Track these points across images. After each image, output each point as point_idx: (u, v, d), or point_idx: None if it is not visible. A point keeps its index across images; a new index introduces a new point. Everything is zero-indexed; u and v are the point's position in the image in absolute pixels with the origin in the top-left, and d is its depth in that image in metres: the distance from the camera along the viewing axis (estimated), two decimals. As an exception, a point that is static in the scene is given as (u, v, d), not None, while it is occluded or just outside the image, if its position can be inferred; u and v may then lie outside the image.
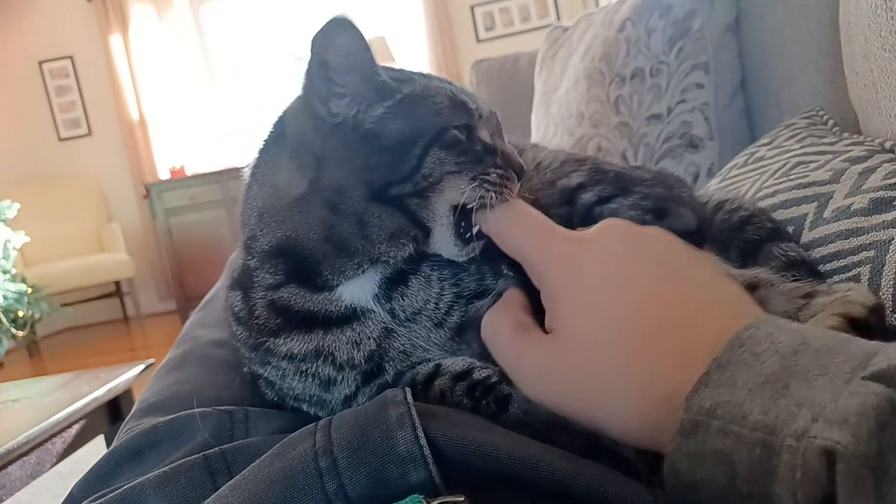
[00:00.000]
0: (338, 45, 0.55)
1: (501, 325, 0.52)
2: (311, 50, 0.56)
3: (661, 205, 0.74)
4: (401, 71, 0.63)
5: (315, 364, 0.59)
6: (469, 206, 0.56)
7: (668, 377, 0.39)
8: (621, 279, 0.45)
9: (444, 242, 0.59)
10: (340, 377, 0.59)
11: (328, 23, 0.55)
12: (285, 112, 0.63)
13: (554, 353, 0.46)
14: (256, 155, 0.65)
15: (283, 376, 0.61)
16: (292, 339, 0.59)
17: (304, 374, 0.60)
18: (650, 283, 0.44)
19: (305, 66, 0.58)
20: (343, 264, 0.58)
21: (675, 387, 0.37)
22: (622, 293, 0.44)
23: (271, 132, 0.64)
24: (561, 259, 0.48)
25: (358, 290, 0.59)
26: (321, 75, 0.56)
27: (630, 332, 0.42)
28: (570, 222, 0.67)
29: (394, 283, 0.60)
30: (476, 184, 0.56)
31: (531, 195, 0.69)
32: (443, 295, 0.61)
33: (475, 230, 0.58)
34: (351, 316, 0.59)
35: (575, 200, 0.73)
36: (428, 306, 0.60)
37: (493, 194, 0.56)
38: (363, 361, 0.58)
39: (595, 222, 0.56)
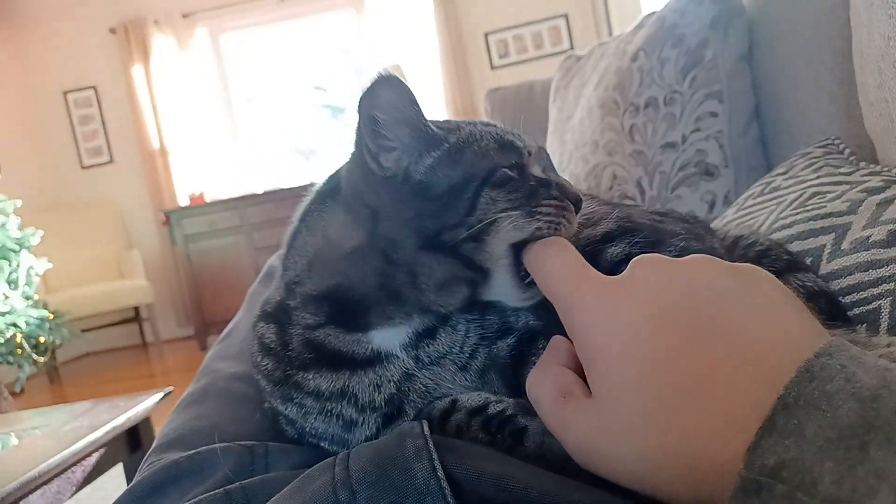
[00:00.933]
0: (384, 101, 0.57)
1: (543, 394, 0.46)
2: (359, 107, 0.58)
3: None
4: (447, 121, 0.63)
5: (339, 404, 0.60)
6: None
7: (717, 442, 0.34)
8: (657, 333, 0.39)
9: (503, 285, 0.58)
10: (362, 419, 0.59)
11: (375, 80, 0.57)
12: (341, 167, 0.65)
13: (596, 421, 0.41)
14: (307, 203, 0.66)
15: (307, 414, 0.62)
16: (321, 376, 0.60)
17: (328, 413, 0.60)
18: (689, 333, 0.38)
19: (355, 124, 0.59)
20: (392, 312, 0.59)
21: (727, 452, 0.33)
22: (658, 349, 0.38)
23: (325, 185, 0.66)
24: (591, 311, 0.43)
25: (389, 337, 0.60)
26: (370, 131, 0.58)
27: (671, 395, 0.37)
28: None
29: (425, 334, 0.60)
30: (530, 218, 0.56)
31: None
32: (468, 337, 0.61)
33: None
34: (375, 359, 0.60)
35: (600, 255, 0.67)
36: (454, 350, 0.60)
37: (549, 225, 0.56)
38: (383, 404, 0.59)
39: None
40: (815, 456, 0.29)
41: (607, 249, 0.66)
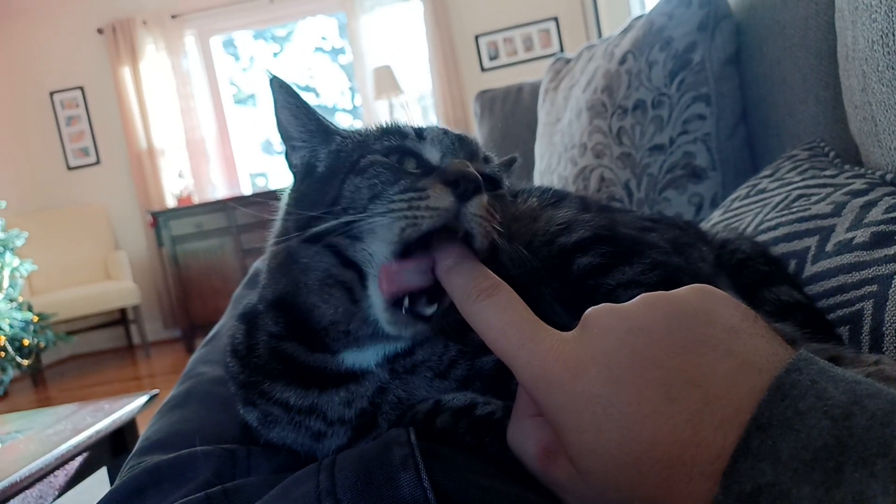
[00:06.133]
0: (280, 103, 0.61)
1: (526, 452, 0.45)
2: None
3: (672, 275, 0.62)
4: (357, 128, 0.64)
5: (308, 418, 0.59)
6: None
7: (701, 486, 0.34)
8: (625, 400, 0.37)
9: (377, 299, 0.52)
10: (331, 431, 0.59)
11: (269, 84, 0.60)
12: None
13: (586, 489, 0.40)
14: (283, 204, 0.67)
15: (274, 423, 0.61)
16: (289, 390, 0.60)
17: (297, 424, 0.60)
18: (659, 391, 0.37)
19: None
20: (332, 333, 0.58)
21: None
22: (629, 416, 0.37)
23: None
24: (554, 391, 0.40)
25: (363, 357, 0.59)
26: (281, 131, 0.62)
27: (641, 462, 0.36)
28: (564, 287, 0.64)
29: (402, 353, 0.59)
30: (389, 210, 0.49)
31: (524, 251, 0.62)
32: (447, 349, 0.60)
33: (406, 300, 0.50)
34: (348, 377, 0.59)
35: (569, 265, 0.64)
36: (432, 359, 0.60)
37: (406, 220, 0.48)
38: (354, 418, 0.59)
39: (587, 299, 0.51)
40: (792, 480, 0.29)
41: (576, 259, 0.64)
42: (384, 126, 0.60)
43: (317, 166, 0.60)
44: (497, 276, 0.48)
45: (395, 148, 0.55)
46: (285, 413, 0.60)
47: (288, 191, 0.65)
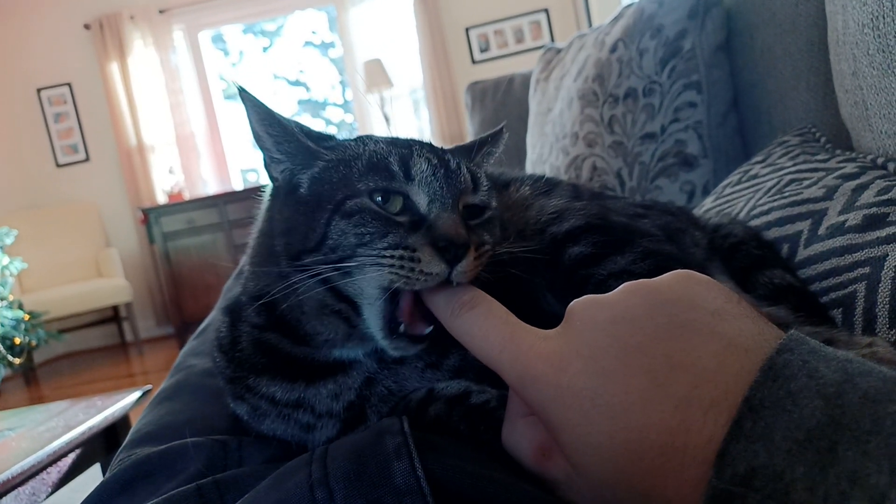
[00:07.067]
0: (254, 117, 0.58)
1: (520, 451, 0.46)
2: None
3: (664, 264, 0.61)
4: (356, 139, 0.60)
5: (296, 411, 0.59)
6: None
7: (693, 473, 0.33)
8: (612, 391, 0.37)
9: (373, 327, 0.54)
10: (320, 424, 0.59)
11: (241, 98, 0.57)
12: None
13: (582, 483, 0.40)
14: (265, 199, 0.65)
15: (263, 416, 0.61)
16: (276, 385, 0.59)
17: (286, 417, 0.60)
18: (648, 379, 0.36)
19: None
20: (309, 336, 0.58)
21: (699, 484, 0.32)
22: (618, 408, 0.36)
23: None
24: (541, 387, 0.40)
25: (350, 350, 0.59)
26: (258, 143, 0.59)
27: (633, 451, 0.35)
28: (555, 275, 0.63)
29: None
30: (379, 263, 0.50)
31: (519, 241, 0.62)
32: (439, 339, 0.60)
33: (402, 325, 0.52)
34: (335, 367, 0.59)
35: (560, 254, 0.64)
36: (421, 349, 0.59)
37: (399, 278, 0.49)
38: (342, 411, 0.58)
39: (578, 289, 0.52)
40: (786, 461, 0.28)
41: (567, 249, 0.64)
42: (377, 159, 0.55)
43: (299, 185, 0.57)
44: (476, 288, 0.49)
45: (386, 191, 0.54)
46: (273, 407, 0.60)
47: (269, 194, 0.63)
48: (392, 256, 0.50)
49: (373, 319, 0.53)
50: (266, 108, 0.57)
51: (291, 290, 0.54)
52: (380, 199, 0.53)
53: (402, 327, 0.52)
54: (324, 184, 0.55)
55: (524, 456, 0.45)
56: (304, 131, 0.58)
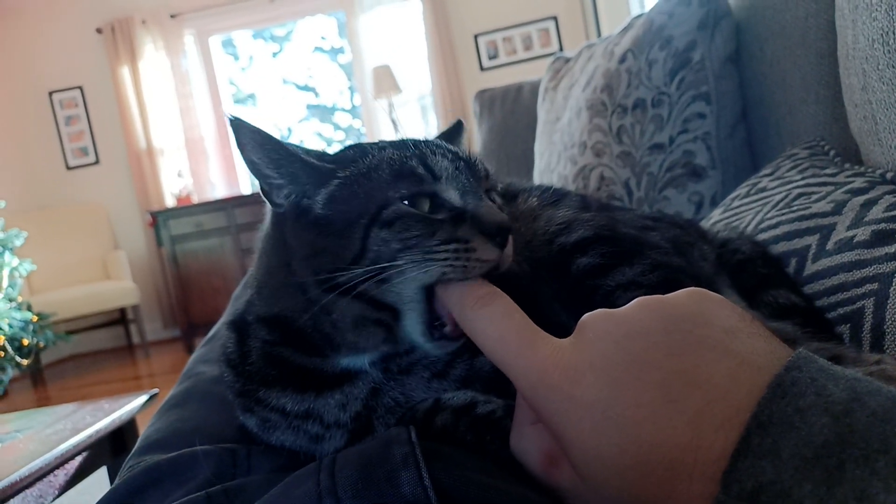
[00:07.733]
0: (248, 145, 0.55)
1: (529, 460, 0.46)
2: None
3: (672, 276, 0.63)
4: (354, 147, 0.60)
5: (305, 422, 0.60)
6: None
7: (702, 488, 0.33)
8: (625, 404, 0.37)
9: (414, 330, 0.55)
10: (328, 434, 0.59)
11: (232, 126, 0.55)
12: None
13: (583, 493, 0.40)
14: (265, 225, 0.64)
15: (273, 428, 0.62)
16: (286, 396, 0.60)
17: (295, 428, 0.60)
18: (659, 392, 0.36)
19: None
20: (335, 348, 0.58)
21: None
22: (629, 424, 0.36)
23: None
24: (553, 398, 0.40)
25: (356, 358, 0.59)
26: (255, 172, 0.57)
27: (642, 466, 0.35)
28: (562, 288, 0.63)
29: (399, 354, 0.59)
30: (429, 262, 0.50)
31: (526, 251, 0.63)
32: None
33: (448, 325, 0.53)
34: (343, 377, 0.59)
35: (569, 265, 0.64)
36: (428, 358, 0.60)
37: (453, 269, 0.50)
38: (349, 421, 0.59)
39: (586, 300, 0.53)
40: (793, 478, 0.28)
41: (576, 259, 0.64)
42: (398, 166, 0.55)
43: (312, 207, 0.56)
44: (493, 285, 0.49)
45: (418, 194, 0.54)
46: (283, 418, 0.60)
47: (270, 222, 0.61)
48: (446, 251, 0.50)
49: (413, 323, 0.54)
50: (264, 133, 0.55)
51: (323, 310, 0.54)
52: (408, 202, 0.54)
53: (447, 329, 0.53)
54: (348, 200, 0.55)
55: (532, 463, 0.45)
56: (307, 152, 0.58)
